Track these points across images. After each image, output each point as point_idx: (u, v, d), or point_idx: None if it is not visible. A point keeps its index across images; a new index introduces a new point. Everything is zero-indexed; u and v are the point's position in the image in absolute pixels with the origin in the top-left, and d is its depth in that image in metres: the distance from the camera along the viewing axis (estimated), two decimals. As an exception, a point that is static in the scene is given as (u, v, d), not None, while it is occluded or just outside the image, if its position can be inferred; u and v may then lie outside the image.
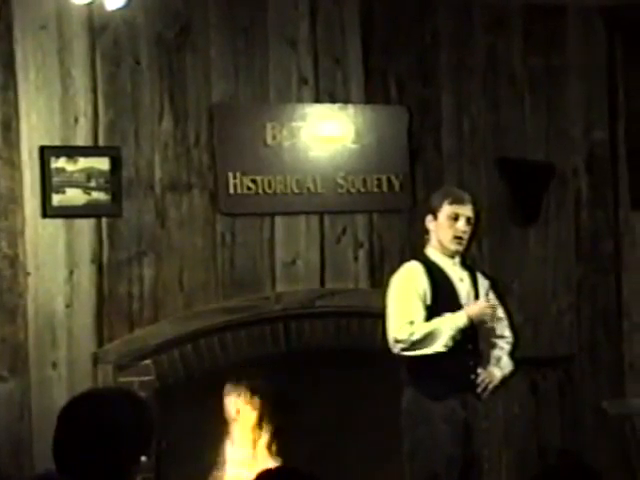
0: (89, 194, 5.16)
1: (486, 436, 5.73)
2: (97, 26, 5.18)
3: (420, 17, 5.95)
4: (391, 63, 5.87)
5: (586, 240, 6.38)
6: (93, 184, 5.16)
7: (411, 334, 4.74)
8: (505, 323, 5.05)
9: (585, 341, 6.35)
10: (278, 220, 5.61)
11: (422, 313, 4.79)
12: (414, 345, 4.74)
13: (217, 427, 5.63)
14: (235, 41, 5.51)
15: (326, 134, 5.70)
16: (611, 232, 6.42)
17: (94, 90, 5.19)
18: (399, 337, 4.76)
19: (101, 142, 5.21)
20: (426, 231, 4.99)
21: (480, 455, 4.97)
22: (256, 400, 5.75)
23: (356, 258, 5.78)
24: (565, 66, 6.30)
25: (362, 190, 5.76)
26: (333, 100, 5.75)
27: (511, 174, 6.15)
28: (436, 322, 4.77)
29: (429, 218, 4.96)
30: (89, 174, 5.16)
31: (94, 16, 5.14)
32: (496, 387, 4.98)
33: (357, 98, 5.80)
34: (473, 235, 5.03)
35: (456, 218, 4.89)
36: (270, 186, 5.56)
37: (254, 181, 5.53)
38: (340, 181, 5.72)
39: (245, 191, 5.50)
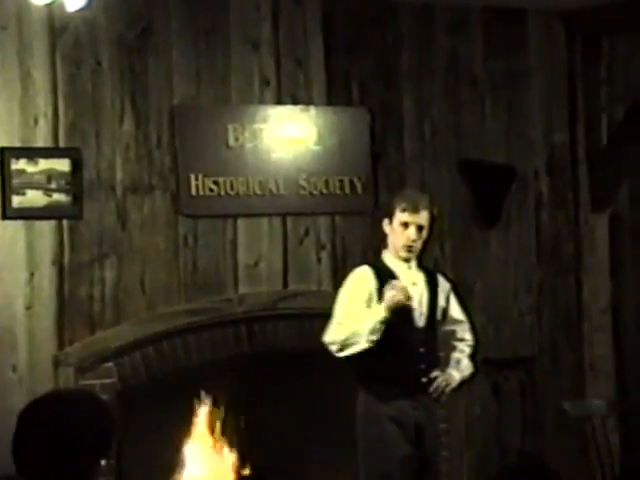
0: (50, 196, 5.13)
1: (447, 437, 5.76)
2: (57, 27, 5.16)
3: (381, 19, 5.97)
4: (353, 65, 5.88)
5: (547, 242, 6.41)
6: (54, 186, 5.13)
7: (338, 334, 4.75)
8: (467, 326, 5.03)
9: (546, 342, 6.39)
10: (240, 222, 5.60)
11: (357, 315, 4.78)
12: (343, 346, 4.74)
13: (179, 429, 5.60)
14: (197, 42, 5.50)
15: (288, 136, 5.69)
16: (571, 234, 6.45)
17: (54, 91, 5.16)
18: (328, 339, 4.78)
19: (61, 143, 5.18)
20: (383, 234, 4.95)
21: (435, 456, 4.95)
22: (218, 402, 5.74)
23: (319, 260, 5.78)
24: (525, 69, 6.34)
25: (324, 192, 5.77)
26: (295, 102, 5.75)
27: (472, 176, 6.17)
28: (356, 322, 4.74)
29: (386, 222, 4.89)
30: (49, 176, 5.13)
31: (54, 17, 5.11)
32: (454, 389, 4.96)
33: (319, 100, 5.80)
34: (428, 240, 4.97)
35: (407, 225, 4.83)
36: (232, 188, 5.55)
37: (216, 183, 5.52)
38: (302, 183, 5.72)
39: (207, 193, 5.49)
